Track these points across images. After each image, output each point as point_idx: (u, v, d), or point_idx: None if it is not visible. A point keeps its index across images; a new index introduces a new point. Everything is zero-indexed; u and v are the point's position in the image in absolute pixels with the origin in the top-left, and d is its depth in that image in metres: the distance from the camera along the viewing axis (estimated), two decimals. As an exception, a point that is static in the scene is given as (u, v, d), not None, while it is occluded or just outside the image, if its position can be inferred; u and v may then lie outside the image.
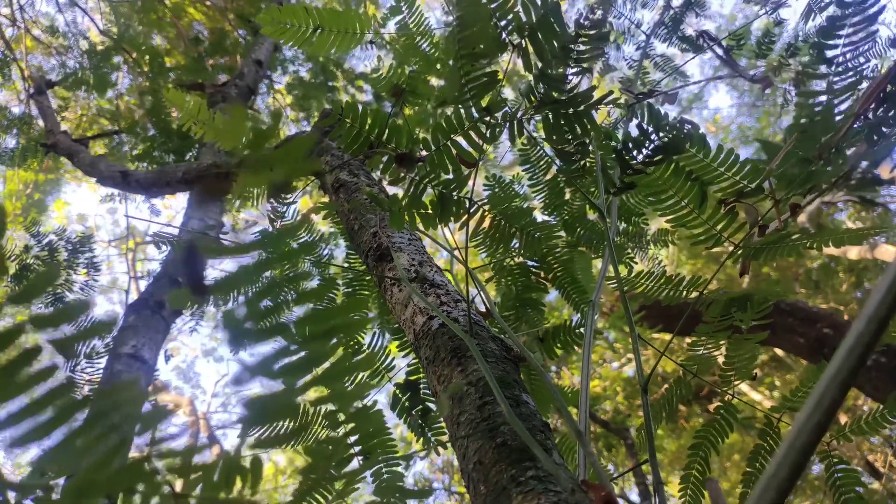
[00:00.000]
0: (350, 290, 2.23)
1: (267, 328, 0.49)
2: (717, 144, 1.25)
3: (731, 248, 1.32)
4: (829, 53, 1.16)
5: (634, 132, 1.27)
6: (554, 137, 1.34)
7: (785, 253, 1.26)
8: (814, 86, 1.19)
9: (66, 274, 4.07)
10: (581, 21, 1.17)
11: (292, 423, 1.36)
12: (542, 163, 1.88)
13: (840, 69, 1.15)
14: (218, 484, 0.48)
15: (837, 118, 1.14)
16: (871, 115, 1.12)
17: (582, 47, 1.20)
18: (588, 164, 1.49)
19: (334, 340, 0.52)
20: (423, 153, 1.28)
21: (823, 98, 1.17)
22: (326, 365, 0.51)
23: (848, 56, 1.14)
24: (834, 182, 1.06)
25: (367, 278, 2.24)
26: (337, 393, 0.52)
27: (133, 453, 0.47)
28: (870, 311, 0.41)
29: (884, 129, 1.12)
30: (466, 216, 1.34)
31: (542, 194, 1.87)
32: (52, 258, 4.07)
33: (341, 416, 1.04)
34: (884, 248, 7.70)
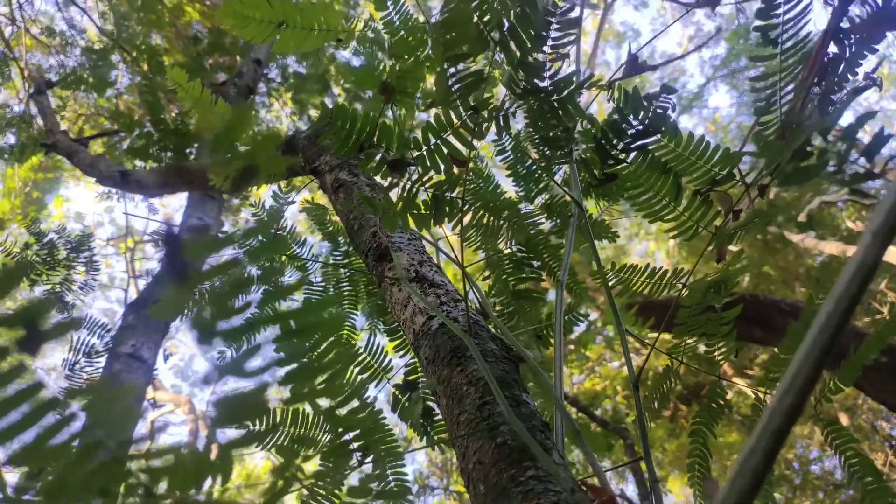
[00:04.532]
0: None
1: (235, 328, 0.49)
2: (688, 133, 1.26)
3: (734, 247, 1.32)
4: (772, 34, 1.18)
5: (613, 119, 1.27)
6: (540, 125, 1.34)
7: (754, 230, 1.26)
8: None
9: (65, 273, 4.07)
10: (549, 7, 1.18)
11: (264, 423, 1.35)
12: (515, 152, 1.85)
13: (784, 47, 1.17)
14: (188, 481, 0.48)
15: (790, 96, 1.17)
16: (817, 86, 1.14)
17: (556, 33, 1.21)
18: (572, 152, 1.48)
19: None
20: (416, 153, 1.27)
21: (775, 78, 1.19)
22: (298, 363, 0.51)
23: (789, 33, 1.17)
24: (791, 158, 1.06)
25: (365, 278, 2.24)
26: (312, 390, 0.52)
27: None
28: (841, 288, 0.41)
29: (832, 98, 1.13)
30: (461, 215, 1.34)
31: (520, 183, 1.85)
32: (52, 256, 4.06)
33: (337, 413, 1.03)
34: (883, 247, 7.69)
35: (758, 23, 1.18)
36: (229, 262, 0.48)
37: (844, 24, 1.12)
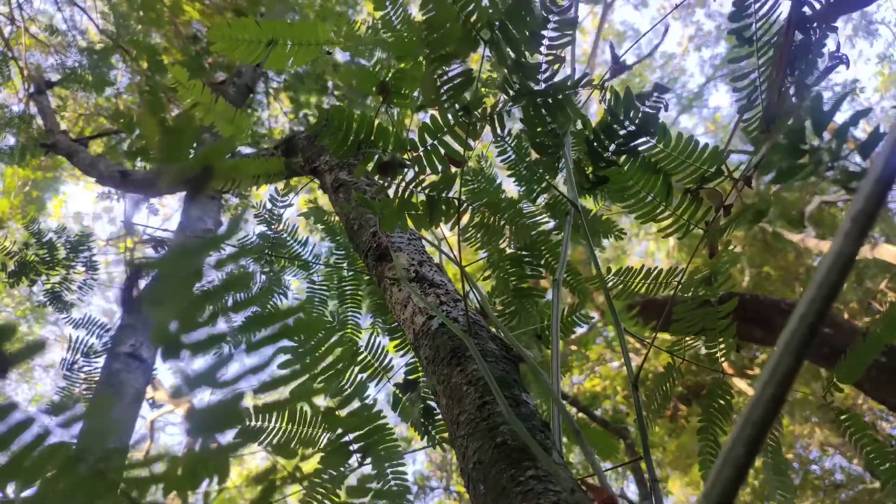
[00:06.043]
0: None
1: (203, 340, 0.48)
2: (677, 133, 1.27)
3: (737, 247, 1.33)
4: (746, 34, 1.20)
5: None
6: (538, 129, 1.34)
7: (744, 223, 1.27)
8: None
9: (64, 272, 4.07)
10: (548, 5, 1.17)
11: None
12: (515, 152, 1.85)
13: (760, 45, 1.20)
14: (183, 483, 0.47)
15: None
16: (790, 74, 1.15)
17: (552, 34, 1.20)
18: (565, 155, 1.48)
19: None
20: (413, 154, 1.27)
21: (754, 76, 1.21)
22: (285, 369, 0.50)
23: (763, 29, 1.19)
24: (778, 151, 1.06)
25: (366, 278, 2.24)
26: (302, 392, 0.52)
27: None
28: (821, 277, 0.41)
29: (806, 82, 1.15)
30: (457, 215, 1.33)
31: (521, 183, 1.86)
32: (52, 256, 4.06)
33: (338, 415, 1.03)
34: (884, 247, 7.70)
35: (732, 26, 1.20)
36: (192, 274, 0.47)
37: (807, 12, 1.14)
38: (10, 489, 0.49)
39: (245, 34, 1.42)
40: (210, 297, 0.48)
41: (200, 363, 0.48)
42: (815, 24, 1.13)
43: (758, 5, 1.17)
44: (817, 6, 1.13)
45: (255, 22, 1.40)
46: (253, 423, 1.36)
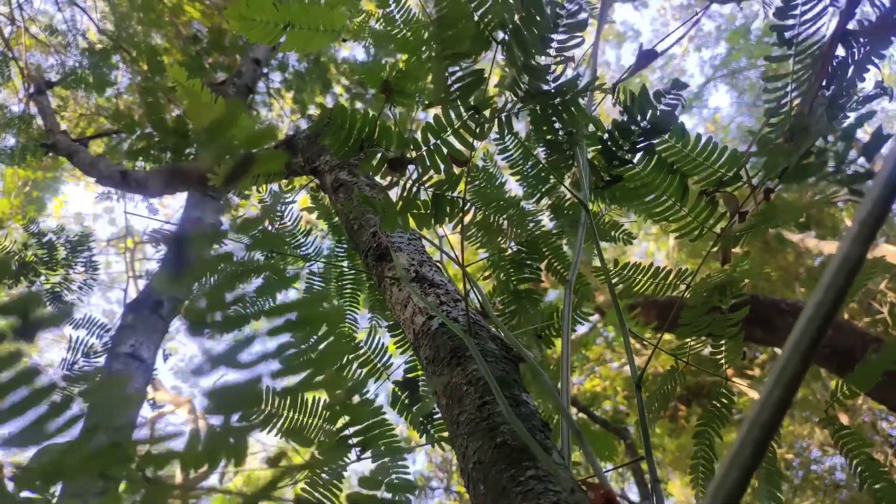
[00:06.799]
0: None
1: (228, 319, 0.49)
2: (695, 134, 1.26)
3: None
4: (787, 34, 1.17)
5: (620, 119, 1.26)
6: (544, 129, 1.34)
7: (760, 234, 1.26)
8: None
9: (63, 272, 4.07)
10: (558, 10, 1.17)
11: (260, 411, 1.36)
12: (519, 151, 1.84)
13: (799, 49, 1.16)
14: (200, 460, 0.48)
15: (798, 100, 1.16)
16: (825, 89, 1.13)
17: (562, 36, 1.20)
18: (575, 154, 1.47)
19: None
20: (415, 154, 1.27)
21: (787, 80, 1.18)
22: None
23: (805, 34, 1.16)
24: (790, 165, 1.04)
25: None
26: (311, 382, 0.52)
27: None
28: (828, 279, 0.41)
29: (840, 103, 1.13)
30: (461, 215, 1.33)
31: (525, 183, 1.85)
32: (52, 256, 4.06)
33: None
34: (884, 247, 7.70)
35: (774, 22, 1.17)
36: (223, 254, 0.48)
37: (853, 27, 1.12)
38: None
39: (261, 15, 1.42)
40: (237, 279, 0.49)
41: (223, 343, 0.49)
42: (860, 42, 1.10)
43: (805, 6, 1.14)
44: (866, 23, 1.10)
45: (272, 3, 1.40)
46: (269, 406, 1.37)
